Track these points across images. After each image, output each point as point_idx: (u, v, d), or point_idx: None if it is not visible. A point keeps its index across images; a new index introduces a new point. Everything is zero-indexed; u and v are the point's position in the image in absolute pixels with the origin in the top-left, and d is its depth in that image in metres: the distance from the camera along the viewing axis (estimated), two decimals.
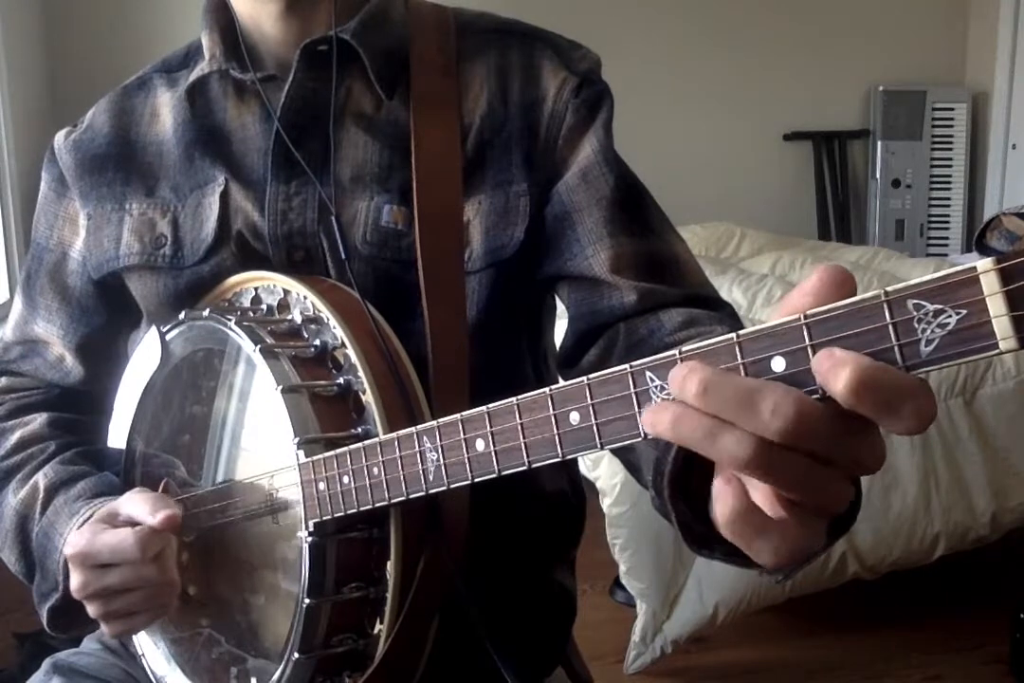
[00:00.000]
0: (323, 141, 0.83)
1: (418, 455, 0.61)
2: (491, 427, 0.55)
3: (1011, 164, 3.87)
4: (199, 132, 0.87)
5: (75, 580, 0.76)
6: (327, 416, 0.73)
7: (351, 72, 0.84)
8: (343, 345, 0.75)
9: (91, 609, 0.77)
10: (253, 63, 0.85)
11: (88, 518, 0.80)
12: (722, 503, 0.43)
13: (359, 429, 0.73)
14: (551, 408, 0.51)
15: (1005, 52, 3.84)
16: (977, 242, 3.36)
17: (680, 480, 0.52)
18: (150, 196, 0.88)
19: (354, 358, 0.74)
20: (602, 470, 1.93)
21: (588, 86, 0.85)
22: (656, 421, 0.43)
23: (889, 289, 0.38)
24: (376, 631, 0.73)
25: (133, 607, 0.76)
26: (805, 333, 0.41)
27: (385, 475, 0.64)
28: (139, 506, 0.77)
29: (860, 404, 0.38)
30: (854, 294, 0.40)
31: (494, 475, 0.56)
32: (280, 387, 0.72)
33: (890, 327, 0.39)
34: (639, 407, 0.46)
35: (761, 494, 0.43)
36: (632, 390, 0.47)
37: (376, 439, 0.65)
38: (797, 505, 0.43)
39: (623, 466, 0.76)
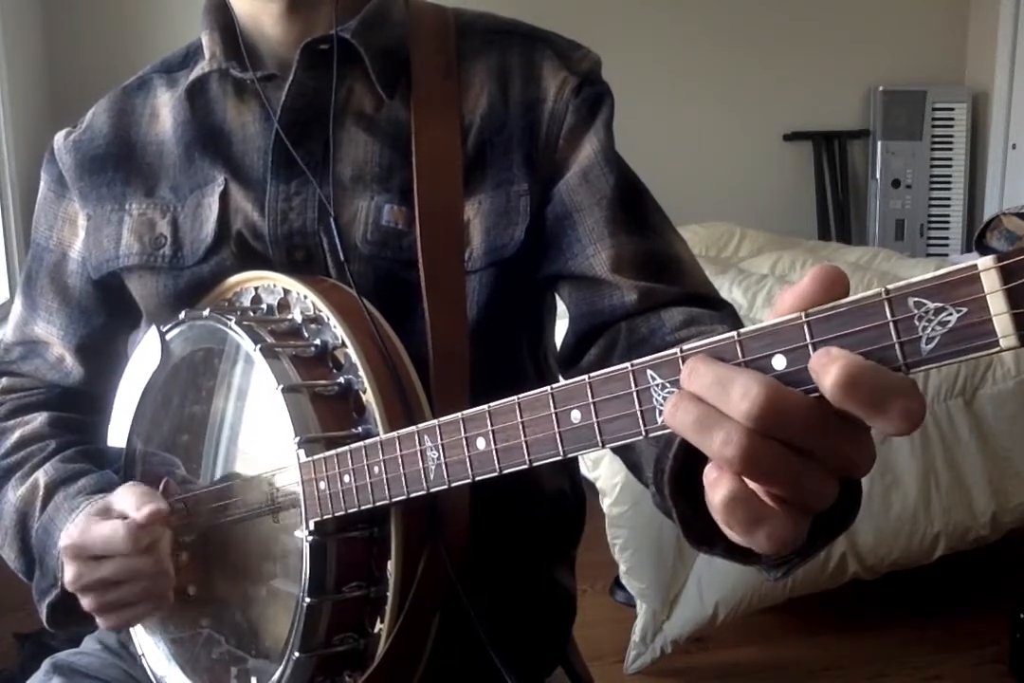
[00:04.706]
0: (323, 141, 0.83)
1: (419, 454, 0.61)
2: (492, 426, 0.55)
3: (1011, 164, 3.87)
4: (199, 132, 0.87)
5: (69, 572, 0.76)
6: (328, 415, 0.73)
7: (352, 72, 0.84)
8: (343, 344, 0.75)
9: (85, 602, 0.77)
10: (253, 62, 0.85)
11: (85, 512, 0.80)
12: (717, 489, 0.44)
13: (359, 428, 0.73)
14: (552, 406, 0.51)
15: (1005, 52, 3.84)
16: (977, 242, 3.35)
17: (681, 476, 0.52)
18: (150, 196, 0.88)
19: (354, 357, 0.74)
20: (602, 470, 1.93)
21: (588, 86, 0.85)
22: (666, 409, 0.45)
23: (890, 287, 0.38)
24: (377, 630, 0.73)
25: (128, 598, 0.77)
26: (806, 331, 0.41)
27: (386, 474, 0.64)
28: (128, 500, 0.78)
29: (847, 400, 0.39)
30: (847, 293, 0.41)
31: (495, 473, 0.56)
32: (281, 386, 0.72)
33: (891, 325, 0.39)
34: (640, 405, 0.46)
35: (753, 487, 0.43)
36: (633, 388, 0.47)
37: (377, 438, 0.65)
38: (784, 501, 0.43)
39: (624, 465, 0.76)
